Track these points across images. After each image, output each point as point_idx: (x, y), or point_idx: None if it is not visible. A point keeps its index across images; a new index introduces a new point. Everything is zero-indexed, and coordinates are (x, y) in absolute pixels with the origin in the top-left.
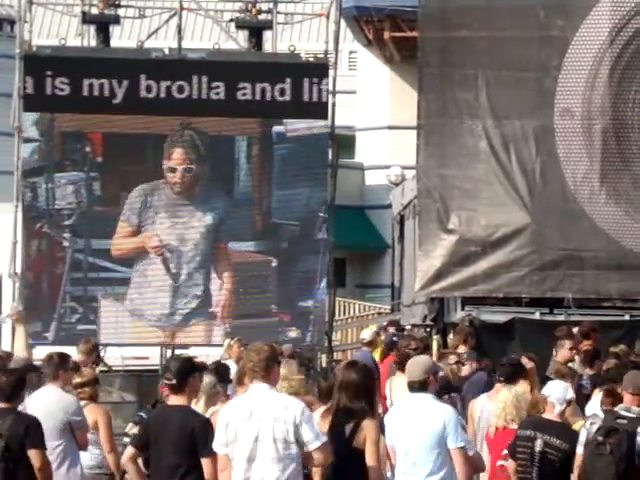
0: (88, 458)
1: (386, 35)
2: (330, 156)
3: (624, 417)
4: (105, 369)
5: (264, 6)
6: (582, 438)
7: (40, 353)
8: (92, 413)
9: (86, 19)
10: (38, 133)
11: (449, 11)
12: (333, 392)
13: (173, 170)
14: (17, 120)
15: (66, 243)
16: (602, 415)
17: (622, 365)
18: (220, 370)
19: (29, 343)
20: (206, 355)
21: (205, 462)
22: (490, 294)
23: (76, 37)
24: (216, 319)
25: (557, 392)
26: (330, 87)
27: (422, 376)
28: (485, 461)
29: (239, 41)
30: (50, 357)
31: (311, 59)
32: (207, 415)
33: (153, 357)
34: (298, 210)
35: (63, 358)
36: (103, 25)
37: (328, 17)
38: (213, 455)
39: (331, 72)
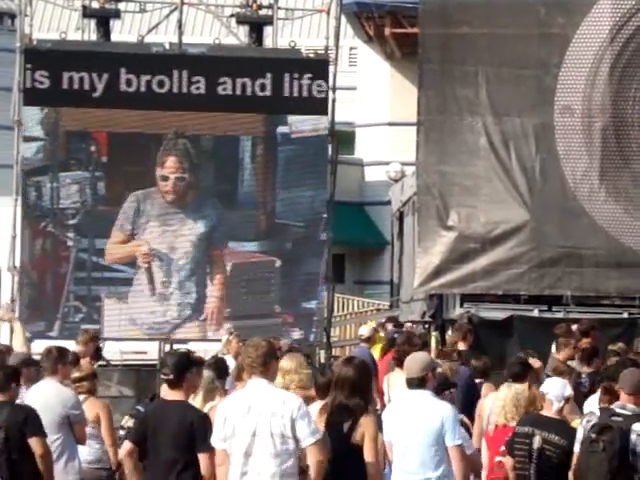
0: (87, 452)
1: (387, 31)
2: (330, 152)
3: (619, 415)
4: (103, 363)
5: (265, 1)
6: (579, 436)
7: (39, 347)
8: (93, 407)
9: (86, 13)
10: (43, 132)
11: (450, 8)
12: (330, 388)
13: (165, 178)
14: (17, 114)
15: (70, 242)
16: (598, 413)
17: (621, 363)
18: (218, 365)
19: (27, 337)
20: (204, 350)
21: (202, 457)
22: (489, 291)
23: (76, 31)
24: (207, 325)
25: (555, 389)
26: (330, 83)
27: (421, 373)
28: (483, 458)
29: (240, 36)
30: (49, 351)
31: (311, 55)
32: (205, 410)
33: (151, 352)
34: (302, 211)
35: (62, 352)
36: (103, 19)
37: (329, 13)
38: (210, 450)
39: (331, 68)
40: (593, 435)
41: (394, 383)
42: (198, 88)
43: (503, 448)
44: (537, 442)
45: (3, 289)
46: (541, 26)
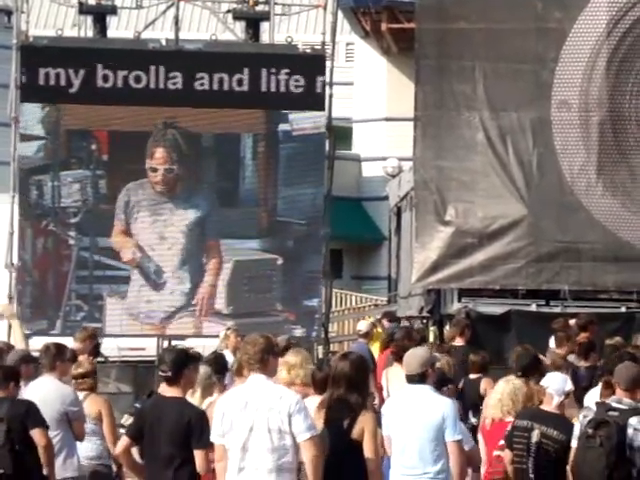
0: (89, 449)
1: (383, 27)
2: (327, 148)
3: (615, 409)
4: (101, 360)
5: None
6: (576, 431)
7: (39, 344)
8: (94, 404)
9: (83, 9)
10: (44, 131)
11: (446, 3)
12: (328, 383)
13: (155, 170)
14: (14, 111)
15: (72, 241)
16: (595, 407)
17: (619, 357)
18: (217, 361)
19: (25, 334)
20: (202, 346)
21: (197, 454)
22: (486, 286)
23: (73, 28)
24: (199, 314)
25: (556, 383)
26: (327, 79)
27: (420, 369)
28: (481, 452)
29: (236, 32)
30: (47, 348)
31: (308, 50)
32: (203, 406)
33: (149, 348)
34: (304, 208)
35: (60, 349)
36: (100, 16)
37: (325, 8)
38: (206, 447)
39: (328, 63)
40: (590, 430)
41: (393, 378)
42: (195, 84)
43: (502, 442)
44: (536, 436)
45: (0, 286)
46: (538, 21)
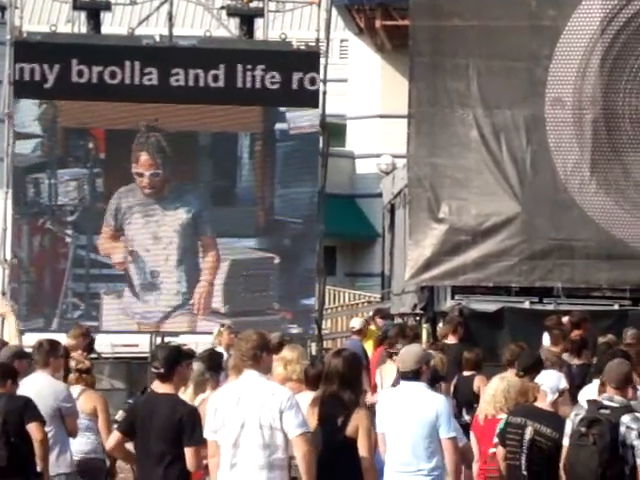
0: (84, 443)
1: (377, 24)
2: (321, 145)
3: (607, 407)
4: (95, 356)
5: None
6: (567, 430)
7: (32, 340)
8: (90, 400)
9: (77, 5)
10: (40, 128)
11: (440, 0)
12: (321, 380)
13: (141, 175)
14: (7, 107)
15: (68, 239)
16: (586, 406)
17: (612, 355)
18: (211, 358)
19: (19, 329)
20: (195, 343)
21: (188, 451)
22: (480, 283)
23: (67, 24)
24: (197, 312)
25: (550, 381)
26: (321, 75)
27: (415, 366)
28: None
29: (230, 29)
30: (40, 344)
31: (302, 47)
32: (195, 403)
33: (142, 345)
34: (300, 207)
35: (53, 345)
36: (94, 11)
37: (319, 5)
38: (197, 445)
39: (322, 60)
40: (583, 429)
41: (387, 375)
42: (189, 81)
43: (496, 440)
44: (529, 433)
45: None
46: (532, 18)
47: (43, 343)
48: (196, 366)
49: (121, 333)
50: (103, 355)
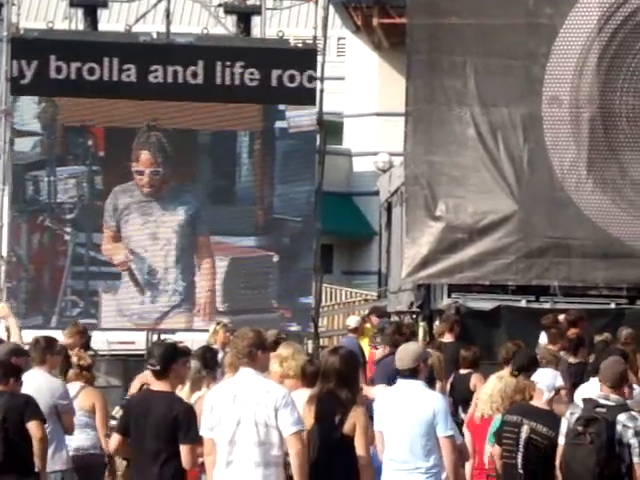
0: (84, 439)
1: (375, 21)
2: (318, 142)
3: (603, 405)
4: (91, 354)
5: None
6: (563, 429)
7: (28, 337)
8: (89, 397)
9: (74, 2)
10: (40, 126)
11: None
12: (318, 378)
13: (141, 173)
14: (5, 103)
15: (67, 237)
16: (581, 405)
17: (609, 354)
18: (207, 355)
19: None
20: (192, 340)
21: (184, 449)
22: (477, 281)
23: (64, 20)
24: (197, 317)
25: (546, 379)
26: (318, 73)
27: (413, 364)
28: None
29: (227, 26)
30: (37, 341)
31: (299, 45)
32: (192, 400)
33: (139, 342)
34: (299, 205)
35: (50, 342)
36: (91, 8)
37: (317, 3)
38: (193, 443)
39: (319, 58)
40: (580, 428)
41: None
42: (186, 78)
43: (493, 440)
44: (525, 432)
45: None
46: (529, 16)
47: (40, 340)
48: (192, 364)
49: (114, 330)
50: (99, 352)
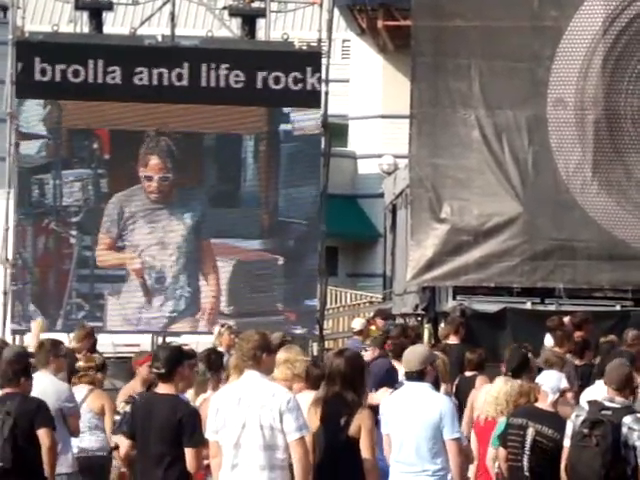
0: (93, 440)
1: (379, 24)
2: (323, 145)
3: (608, 408)
4: (96, 356)
5: None
6: (568, 431)
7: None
8: (98, 399)
9: (79, 5)
10: (45, 129)
11: (442, 0)
12: (323, 380)
13: (150, 179)
14: (9, 107)
15: (73, 240)
16: (587, 407)
17: (615, 355)
18: (212, 358)
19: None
20: (196, 343)
21: (188, 452)
22: (482, 283)
23: (69, 23)
24: (201, 322)
25: (551, 381)
26: (323, 76)
27: (420, 366)
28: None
29: (232, 29)
30: (42, 344)
31: (304, 47)
32: (197, 402)
33: (144, 344)
34: (304, 208)
35: (55, 344)
36: (96, 11)
37: (321, 5)
38: (197, 447)
39: (324, 61)
40: (585, 430)
41: None
42: (191, 81)
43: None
44: (530, 434)
45: None
46: (534, 19)
47: (45, 343)
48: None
49: (126, 333)
50: (105, 355)
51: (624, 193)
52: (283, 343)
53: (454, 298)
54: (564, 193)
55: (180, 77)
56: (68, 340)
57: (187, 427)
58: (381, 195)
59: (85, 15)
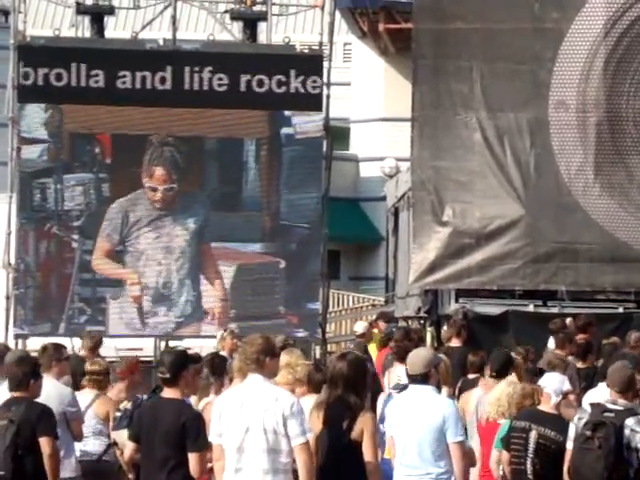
0: (97, 444)
1: (381, 27)
2: (324, 148)
3: (611, 410)
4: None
5: None
6: (571, 433)
7: (37, 345)
8: (104, 405)
9: (80, 9)
10: (47, 134)
11: (443, 2)
12: (325, 384)
13: (154, 189)
14: (11, 111)
15: (75, 244)
16: (589, 409)
17: (618, 358)
18: (214, 362)
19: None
20: (200, 347)
21: (192, 457)
22: (484, 286)
23: (70, 28)
24: (207, 322)
25: (554, 383)
26: (325, 79)
27: (424, 369)
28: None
29: (234, 32)
30: (44, 347)
31: (306, 51)
32: (200, 406)
33: (147, 348)
34: (306, 212)
35: (57, 349)
36: (97, 16)
37: (323, 9)
38: (201, 451)
39: (326, 64)
40: (588, 432)
41: (395, 379)
42: (193, 85)
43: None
44: (533, 437)
45: (0, 287)
46: (535, 21)
47: (47, 347)
48: None
49: (127, 337)
50: (107, 359)
51: (626, 195)
52: (285, 346)
53: (456, 301)
54: (566, 195)
55: (181, 81)
56: (71, 344)
57: (191, 431)
58: (383, 198)
59: (87, 19)
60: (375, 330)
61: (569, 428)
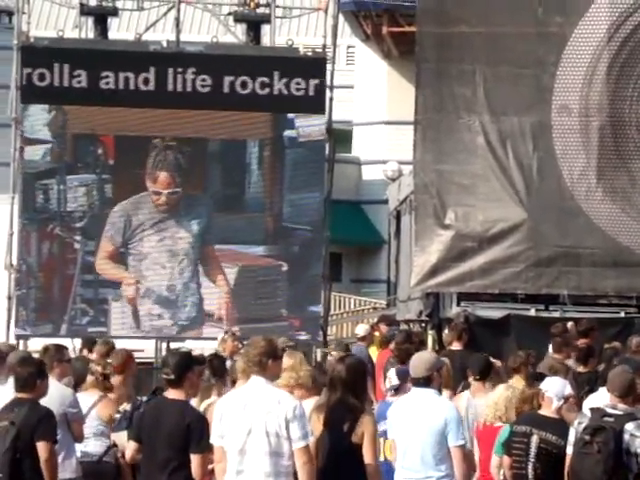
0: (99, 445)
1: (384, 30)
2: (327, 151)
3: (610, 415)
4: None
5: (262, 0)
6: (571, 438)
7: (38, 345)
8: (108, 408)
9: (84, 11)
10: (50, 135)
11: (447, 6)
12: (326, 386)
13: (158, 193)
14: (15, 112)
15: (77, 245)
16: (589, 414)
17: (619, 362)
18: (216, 363)
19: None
20: (201, 349)
21: (194, 459)
22: (486, 290)
23: (74, 29)
24: (211, 325)
25: (555, 388)
26: (328, 82)
27: (426, 372)
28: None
29: (237, 35)
30: (46, 348)
31: (309, 53)
32: (202, 408)
33: (148, 350)
34: (309, 214)
35: (59, 350)
36: (101, 17)
37: (326, 11)
38: (203, 453)
39: (329, 67)
40: (587, 437)
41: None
42: (196, 87)
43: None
44: (535, 442)
45: (1, 287)
46: (538, 25)
47: (49, 348)
48: None
49: (122, 338)
50: (108, 360)
51: (629, 200)
52: (284, 349)
53: (458, 304)
54: (568, 200)
55: (185, 83)
56: (72, 345)
57: (195, 433)
58: (385, 201)
59: (90, 21)
60: (376, 333)
61: (569, 433)
